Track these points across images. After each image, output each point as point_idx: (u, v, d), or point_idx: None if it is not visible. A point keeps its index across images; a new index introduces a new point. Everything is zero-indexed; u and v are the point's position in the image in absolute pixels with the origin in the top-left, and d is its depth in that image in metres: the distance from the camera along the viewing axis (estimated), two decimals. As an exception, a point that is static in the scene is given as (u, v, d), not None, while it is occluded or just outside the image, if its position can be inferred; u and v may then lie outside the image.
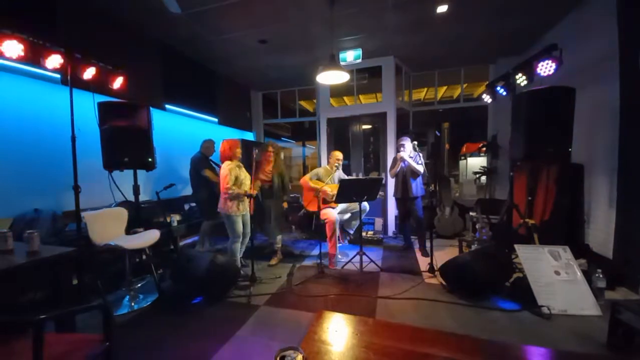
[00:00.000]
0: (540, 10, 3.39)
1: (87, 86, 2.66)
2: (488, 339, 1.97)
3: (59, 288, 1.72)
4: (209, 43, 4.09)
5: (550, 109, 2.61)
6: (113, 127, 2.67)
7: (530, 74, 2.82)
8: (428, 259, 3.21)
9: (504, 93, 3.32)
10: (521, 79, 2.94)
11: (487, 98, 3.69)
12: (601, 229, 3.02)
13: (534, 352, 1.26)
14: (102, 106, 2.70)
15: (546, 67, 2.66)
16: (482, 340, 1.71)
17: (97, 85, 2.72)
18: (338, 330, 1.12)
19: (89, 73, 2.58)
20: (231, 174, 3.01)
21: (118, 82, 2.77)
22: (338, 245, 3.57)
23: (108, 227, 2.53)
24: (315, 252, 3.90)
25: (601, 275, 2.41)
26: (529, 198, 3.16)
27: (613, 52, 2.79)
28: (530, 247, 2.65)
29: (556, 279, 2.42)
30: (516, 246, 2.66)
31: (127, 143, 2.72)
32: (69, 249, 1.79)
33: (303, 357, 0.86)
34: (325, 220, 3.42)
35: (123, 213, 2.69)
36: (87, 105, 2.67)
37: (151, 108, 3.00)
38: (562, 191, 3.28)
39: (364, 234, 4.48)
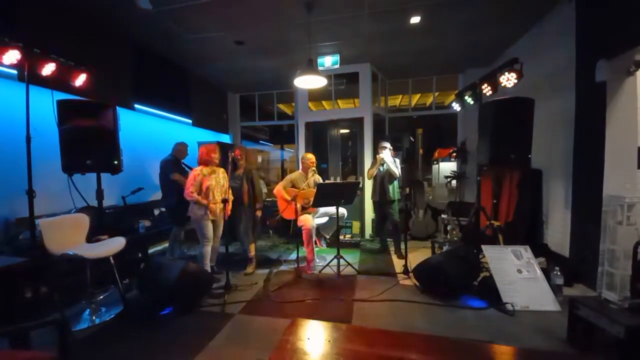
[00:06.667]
0: (503, 25, 3.64)
1: (47, 83, 2.49)
2: (457, 337, 2.05)
3: (11, 302, 1.56)
4: (184, 42, 3.96)
5: (513, 118, 2.81)
6: (74, 127, 2.48)
7: (495, 85, 3.01)
8: (403, 261, 3.29)
9: (472, 102, 3.52)
10: (487, 89, 3.13)
11: (456, 106, 3.89)
12: (558, 230, 3.26)
13: (501, 351, 1.31)
14: (61, 104, 2.51)
15: (509, 79, 2.86)
16: (452, 341, 1.78)
17: (58, 82, 2.56)
18: (311, 338, 1.11)
19: (48, 69, 2.42)
20: (196, 180, 2.92)
21: (81, 79, 2.60)
22: (315, 249, 3.56)
23: (66, 235, 2.34)
24: (293, 257, 3.86)
25: (559, 273, 2.59)
26: (494, 201, 3.35)
27: (569, 66, 2.99)
28: (495, 248, 2.81)
29: (518, 277, 2.57)
30: (483, 247, 2.80)
31: (90, 144, 2.53)
32: (20, 259, 1.64)
33: None
34: (302, 227, 3.39)
35: (83, 219, 2.50)
36: (47, 103, 2.48)
37: (118, 107, 2.85)
38: (523, 194, 3.51)
39: (341, 237, 4.50)
